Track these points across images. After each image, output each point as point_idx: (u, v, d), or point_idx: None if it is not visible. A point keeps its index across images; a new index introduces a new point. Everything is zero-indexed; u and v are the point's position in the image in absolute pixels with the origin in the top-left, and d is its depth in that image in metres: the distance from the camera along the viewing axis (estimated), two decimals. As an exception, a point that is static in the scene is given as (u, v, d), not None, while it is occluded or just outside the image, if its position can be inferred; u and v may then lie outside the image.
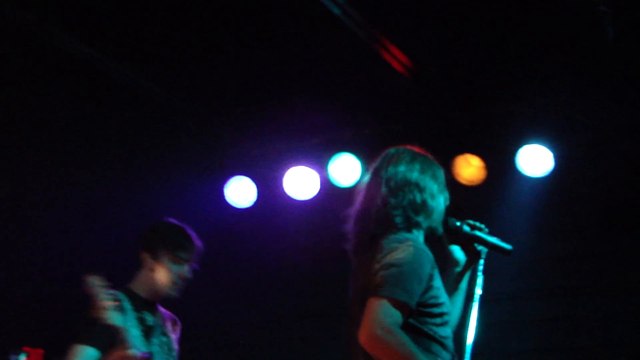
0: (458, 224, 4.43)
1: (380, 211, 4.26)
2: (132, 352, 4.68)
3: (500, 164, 8.31)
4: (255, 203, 8.92)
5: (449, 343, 4.20)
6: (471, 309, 4.27)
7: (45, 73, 7.56)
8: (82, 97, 7.92)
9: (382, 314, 3.91)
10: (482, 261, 4.40)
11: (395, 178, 4.30)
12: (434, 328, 4.14)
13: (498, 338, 8.25)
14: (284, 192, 8.75)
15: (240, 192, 8.93)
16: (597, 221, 8.89)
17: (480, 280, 4.34)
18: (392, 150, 4.50)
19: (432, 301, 4.13)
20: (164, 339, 5.24)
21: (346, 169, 8.57)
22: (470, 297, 4.32)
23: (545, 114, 8.12)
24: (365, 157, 8.55)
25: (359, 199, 4.42)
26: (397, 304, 3.94)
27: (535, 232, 8.78)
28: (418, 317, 4.07)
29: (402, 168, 4.33)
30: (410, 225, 4.23)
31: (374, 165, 4.49)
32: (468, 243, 4.47)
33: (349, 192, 8.47)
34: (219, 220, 9.09)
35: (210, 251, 9.57)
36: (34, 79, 7.56)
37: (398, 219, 4.22)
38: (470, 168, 8.26)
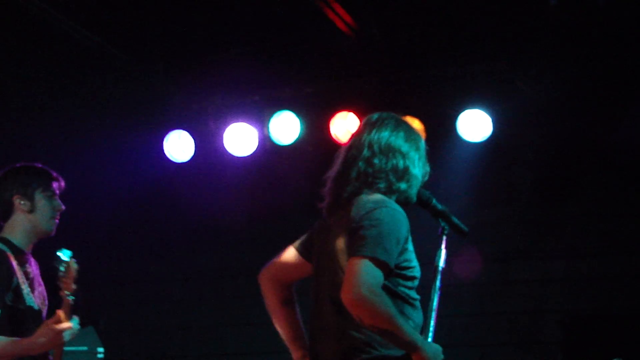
0: (428, 195, 4.45)
1: (361, 173, 4.24)
2: (62, 326, 4.71)
3: (440, 128, 8.33)
4: (194, 158, 8.86)
5: (420, 306, 4.22)
6: (436, 280, 4.30)
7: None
8: (18, 45, 7.78)
9: (367, 274, 3.90)
10: (444, 237, 4.43)
11: (380, 142, 4.27)
12: (406, 290, 4.15)
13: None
14: (223, 148, 8.70)
15: (179, 146, 8.87)
16: (533, 187, 8.99)
17: (443, 254, 4.36)
18: (375, 115, 4.45)
19: (405, 264, 4.12)
20: (39, 289, 5.13)
21: (286, 127, 8.54)
22: (434, 270, 4.35)
23: (485, 79, 8.15)
24: (305, 115, 8.53)
25: (338, 161, 4.38)
26: (379, 264, 3.93)
27: (471, 196, 8.84)
28: (391, 279, 4.07)
29: (386, 133, 4.30)
30: (389, 190, 4.22)
31: (356, 129, 4.46)
32: (433, 217, 4.50)
33: (288, 150, 8.60)
34: (156, 173, 9.04)
35: (147, 204, 9.60)
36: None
37: (381, 184, 4.21)
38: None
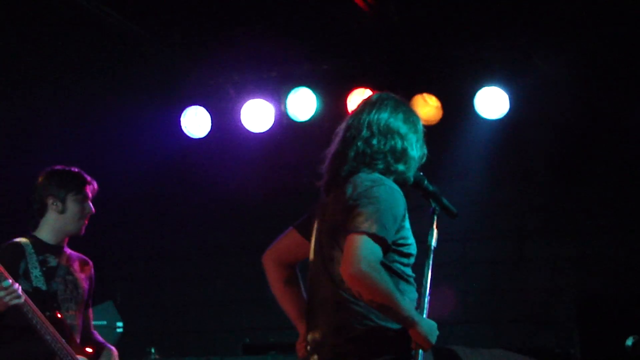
0: (421, 175, 4.47)
1: (359, 153, 4.26)
2: (5, 284, 4.98)
3: (457, 105, 8.33)
4: (210, 133, 8.88)
5: (414, 282, 4.26)
6: (429, 259, 4.32)
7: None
8: (35, 21, 7.79)
9: (366, 250, 3.94)
10: (435, 217, 4.45)
11: (379, 123, 4.30)
12: (402, 267, 4.19)
13: (446, 278, 8.34)
14: (240, 124, 8.71)
15: (196, 122, 8.88)
16: (549, 165, 8.97)
17: (435, 233, 4.39)
18: (375, 95, 4.47)
19: (402, 241, 4.17)
20: (69, 277, 5.54)
21: (302, 103, 8.54)
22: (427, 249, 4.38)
23: (503, 56, 8.13)
24: (322, 92, 8.53)
25: (336, 139, 4.40)
26: (378, 240, 3.98)
27: (487, 174, 8.85)
28: (388, 255, 4.11)
29: (385, 115, 4.33)
30: (387, 171, 4.24)
31: (355, 109, 4.47)
32: (424, 198, 4.52)
33: (304, 126, 8.60)
34: (173, 149, 9.06)
35: (163, 180, 9.63)
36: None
37: (379, 164, 4.24)
38: (427, 107, 8.27)
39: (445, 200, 4.52)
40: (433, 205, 4.48)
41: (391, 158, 4.27)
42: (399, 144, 4.28)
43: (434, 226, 4.42)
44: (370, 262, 3.93)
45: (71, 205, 5.49)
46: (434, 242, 4.38)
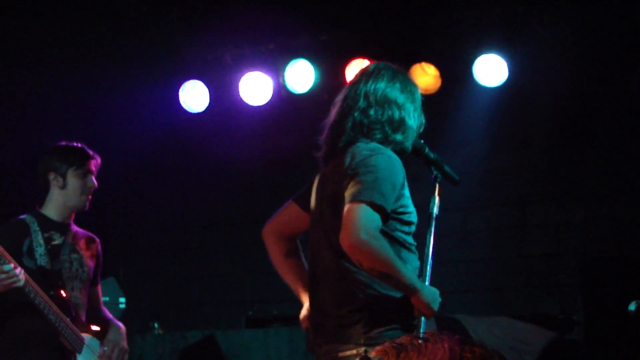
0: (422, 143, 4.46)
1: (357, 123, 4.26)
2: (6, 268, 4.99)
3: (456, 73, 8.31)
4: (209, 107, 8.86)
5: (415, 250, 4.26)
6: (431, 227, 4.32)
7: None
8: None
9: (365, 218, 3.95)
10: (437, 185, 4.44)
11: (376, 94, 4.29)
12: (403, 235, 4.21)
13: (449, 247, 8.35)
14: (238, 97, 8.69)
15: (194, 96, 8.86)
16: (549, 131, 8.96)
17: (437, 201, 4.39)
18: (372, 65, 4.48)
19: (402, 209, 4.18)
20: (74, 255, 5.56)
21: (301, 75, 8.51)
22: (428, 217, 4.38)
23: (501, 22, 8.10)
24: (321, 63, 8.50)
25: (334, 110, 4.40)
26: (376, 208, 3.99)
27: (488, 141, 8.84)
28: (389, 224, 4.12)
29: (382, 85, 4.32)
30: (385, 141, 4.24)
31: (352, 79, 4.47)
32: (426, 165, 4.52)
33: (303, 98, 8.58)
34: (172, 123, 9.05)
35: (163, 154, 9.62)
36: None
37: (377, 134, 4.23)
38: (425, 76, 8.24)
39: (447, 168, 4.52)
40: (435, 173, 4.49)
41: (389, 128, 4.27)
42: (397, 114, 4.28)
43: (436, 194, 4.43)
44: (369, 230, 3.94)
45: (72, 180, 5.51)
46: (435, 210, 4.39)
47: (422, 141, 4.46)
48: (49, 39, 8.34)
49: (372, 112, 4.27)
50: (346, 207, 4.02)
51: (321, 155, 4.39)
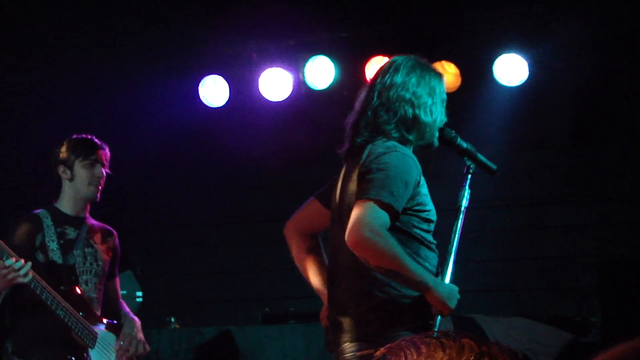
0: (453, 134, 4.40)
1: (370, 122, 4.23)
2: (8, 263, 4.99)
3: (476, 72, 8.29)
4: (229, 103, 8.86)
5: (435, 249, 4.23)
6: (458, 220, 4.27)
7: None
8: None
9: (369, 215, 3.93)
10: (469, 176, 4.38)
11: (389, 91, 4.24)
12: (422, 233, 4.18)
13: (466, 246, 8.32)
14: (258, 93, 8.69)
15: (214, 91, 8.86)
16: (568, 131, 8.93)
17: (467, 193, 4.32)
18: (393, 59, 4.40)
19: (419, 207, 4.15)
20: (88, 250, 5.57)
21: (321, 72, 8.51)
22: (457, 209, 4.33)
23: (522, 22, 8.07)
24: (340, 60, 8.49)
25: (356, 106, 4.38)
26: (384, 206, 3.95)
27: (506, 141, 8.81)
28: (406, 222, 4.10)
29: (397, 80, 4.26)
30: (402, 139, 4.20)
31: (373, 75, 4.43)
32: (459, 156, 4.45)
33: (323, 95, 8.57)
34: (192, 118, 9.05)
35: (182, 149, 9.63)
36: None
37: (394, 133, 4.20)
38: (446, 75, 8.20)
39: (481, 157, 4.44)
40: (468, 163, 4.41)
41: (402, 127, 4.22)
42: (409, 112, 4.23)
43: (467, 185, 4.35)
44: (374, 228, 3.90)
45: (79, 171, 5.51)
46: (465, 202, 4.31)
47: (453, 132, 4.40)
48: (69, 35, 8.36)
49: (383, 111, 4.23)
50: (355, 205, 4.01)
51: (343, 153, 4.37)
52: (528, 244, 9.06)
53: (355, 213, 3.97)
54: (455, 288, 4.07)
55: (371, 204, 3.95)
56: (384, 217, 3.95)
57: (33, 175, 8.24)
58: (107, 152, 5.62)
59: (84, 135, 5.64)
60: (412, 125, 4.23)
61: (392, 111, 4.22)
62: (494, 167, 4.48)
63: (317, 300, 4.53)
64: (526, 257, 9.03)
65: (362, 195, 4.00)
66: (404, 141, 4.20)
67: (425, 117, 4.26)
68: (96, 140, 5.63)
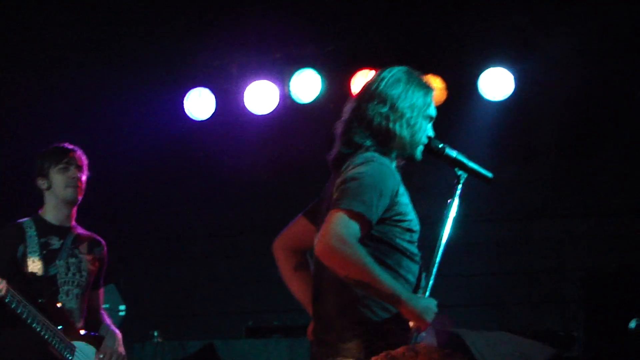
0: (441, 145, 4.34)
1: (350, 136, 4.21)
2: None
3: (461, 86, 8.29)
4: (214, 115, 8.84)
5: (419, 260, 4.19)
6: (442, 230, 4.22)
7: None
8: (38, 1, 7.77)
9: (338, 225, 3.86)
10: (459, 186, 4.33)
11: (367, 104, 4.20)
12: (405, 244, 4.11)
13: (451, 260, 8.31)
14: (244, 106, 8.68)
15: (199, 104, 8.84)
16: (554, 145, 8.95)
17: (455, 204, 4.25)
18: (382, 70, 4.33)
19: (399, 217, 4.08)
20: (72, 260, 5.54)
21: (307, 85, 8.50)
22: (443, 219, 4.27)
23: (507, 36, 8.09)
24: (326, 73, 8.49)
25: (342, 117, 4.35)
26: (354, 215, 3.89)
27: (492, 155, 8.80)
28: (387, 232, 4.05)
29: (378, 92, 4.21)
30: (381, 152, 4.17)
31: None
32: (449, 166, 4.39)
33: (308, 108, 8.56)
34: (176, 131, 9.03)
35: (167, 162, 9.60)
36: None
37: (373, 146, 4.16)
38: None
39: (474, 165, 4.37)
40: (459, 173, 4.34)
41: (378, 140, 4.19)
42: (383, 125, 4.17)
43: (456, 196, 4.26)
44: (341, 237, 3.83)
45: (55, 177, 5.51)
46: (451, 212, 4.22)
47: (439, 143, 4.35)
48: (55, 44, 8.35)
49: (359, 124, 4.20)
50: (327, 215, 3.99)
51: (330, 164, 4.34)
52: (514, 256, 9.05)
53: (325, 223, 3.93)
54: (433, 302, 3.99)
55: (341, 214, 3.89)
56: (353, 226, 3.89)
57: (19, 183, 8.21)
58: (80, 155, 5.61)
59: (55, 144, 5.64)
60: (387, 139, 4.18)
61: (367, 124, 4.19)
62: (489, 174, 4.41)
63: (302, 314, 4.50)
64: (512, 271, 9.02)
65: (333, 205, 3.95)
66: (383, 153, 4.17)
67: (400, 131, 4.19)
68: (67, 145, 5.63)
